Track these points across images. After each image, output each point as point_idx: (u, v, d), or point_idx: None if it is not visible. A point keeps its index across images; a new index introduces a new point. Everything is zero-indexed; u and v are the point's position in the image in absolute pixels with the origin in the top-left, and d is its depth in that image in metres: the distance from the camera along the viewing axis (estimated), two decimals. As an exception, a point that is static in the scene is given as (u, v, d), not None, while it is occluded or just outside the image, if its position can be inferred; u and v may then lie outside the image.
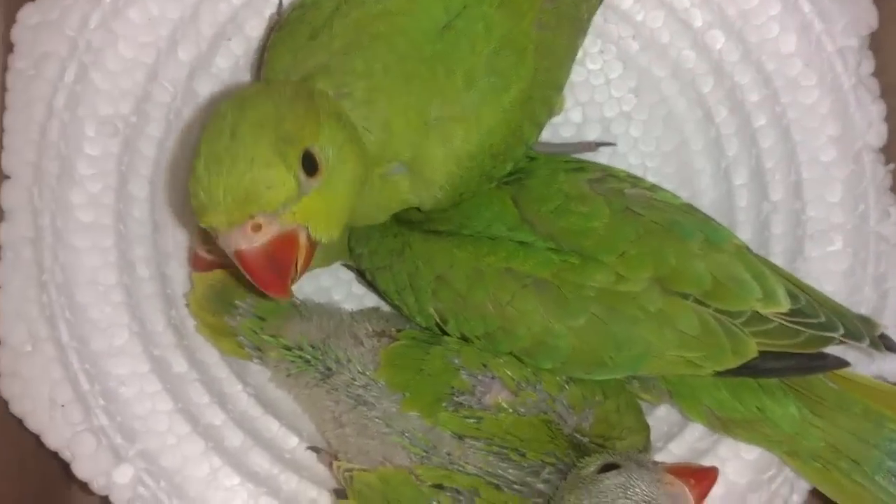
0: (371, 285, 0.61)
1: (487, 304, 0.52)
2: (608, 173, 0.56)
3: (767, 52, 0.63)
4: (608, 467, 0.48)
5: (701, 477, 0.48)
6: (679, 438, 0.59)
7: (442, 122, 0.50)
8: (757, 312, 0.50)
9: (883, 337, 0.53)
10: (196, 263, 0.53)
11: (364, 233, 0.57)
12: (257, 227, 0.42)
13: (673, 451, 0.59)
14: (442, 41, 0.50)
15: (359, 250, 0.57)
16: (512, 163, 0.55)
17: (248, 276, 0.44)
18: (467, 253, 0.52)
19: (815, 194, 0.62)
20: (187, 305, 0.59)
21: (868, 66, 0.63)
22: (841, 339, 0.51)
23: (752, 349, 0.50)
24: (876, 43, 0.64)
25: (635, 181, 0.56)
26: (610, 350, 0.51)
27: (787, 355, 0.51)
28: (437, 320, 0.54)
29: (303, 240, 0.44)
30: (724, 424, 0.55)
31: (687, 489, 0.47)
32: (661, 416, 0.61)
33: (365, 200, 0.49)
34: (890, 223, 0.61)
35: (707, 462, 0.57)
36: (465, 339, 0.54)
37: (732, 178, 0.65)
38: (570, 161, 0.58)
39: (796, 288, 0.52)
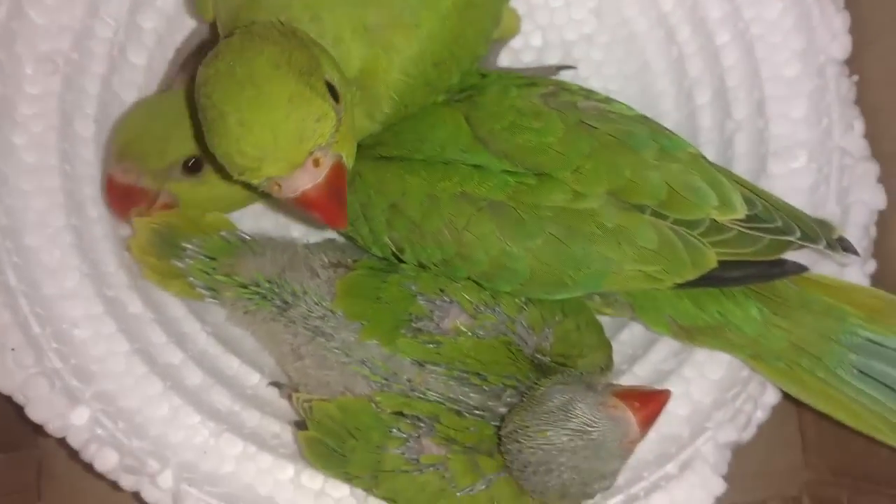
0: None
1: (443, 231, 0.51)
2: (561, 87, 0.55)
3: (729, -35, 0.62)
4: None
5: (647, 400, 0.47)
6: (643, 360, 0.59)
7: (381, 28, 0.48)
8: (714, 221, 0.50)
9: (841, 240, 0.53)
10: (110, 192, 0.52)
11: None
12: (317, 163, 0.42)
13: (637, 374, 0.58)
14: None
15: None
16: (458, 74, 0.54)
17: (310, 214, 0.45)
18: (420, 179, 0.51)
19: (778, 111, 0.61)
20: (128, 250, 0.57)
21: (832, -24, 0.62)
22: (798, 241, 0.50)
23: (711, 260, 0.50)
24: (839, -48, 0.63)
25: (588, 94, 0.55)
26: (569, 269, 0.50)
27: (747, 263, 0.50)
28: (394, 250, 0.53)
29: (343, 165, 0.45)
30: (688, 333, 0.54)
31: (630, 412, 0.46)
32: (625, 340, 0.60)
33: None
34: (853, 136, 0.60)
35: (672, 382, 0.57)
36: (422, 266, 0.53)
37: (695, 98, 0.64)
38: (522, 77, 0.56)
39: (752, 194, 0.52)
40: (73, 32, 0.58)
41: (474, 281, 0.52)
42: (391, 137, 0.53)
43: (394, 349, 0.50)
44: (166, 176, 0.51)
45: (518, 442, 0.46)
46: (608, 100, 0.55)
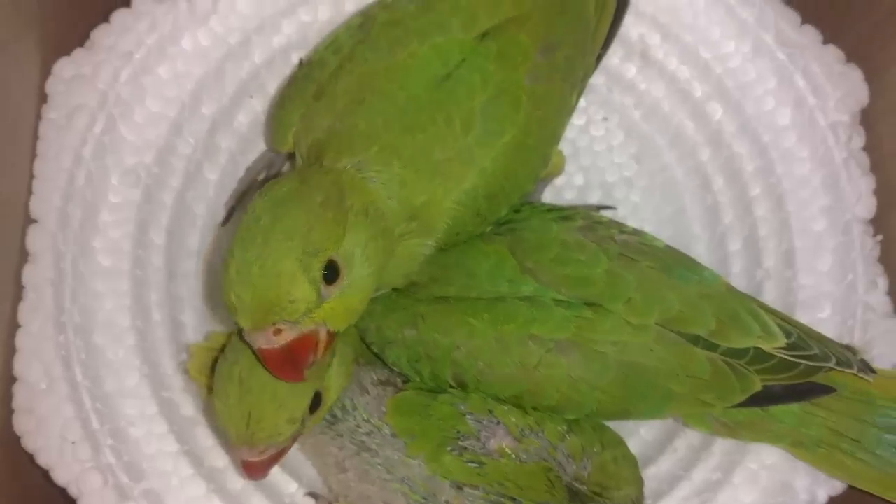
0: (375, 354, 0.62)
1: (515, 371, 0.53)
2: (594, 220, 0.59)
3: (763, 124, 0.66)
4: None
5: None
6: (668, 497, 0.61)
7: (443, 164, 0.53)
8: (759, 349, 0.54)
9: (862, 361, 0.57)
10: (251, 470, 0.53)
11: (368, 307, 0.57)
12: (278, 332, 0.46)
13: (662, 511, 0.60)
14: (441, 90, 0.53)
15: (363, 325, 0.58)
16: (507, 208, 0.57)
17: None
18: (484, 322, 0.54)
19: (806, 263, 0.64)
20: (186, 373, 0.61)
21: (859, 140, 0.66)
22: (834, 367, 0.54)
23: (756, 385, 0.53)
24: (867, 119, 0.67)
25: (620, 227, 0.59)
26: (634, 400, 0.54)
27: (784, 386, 0.54)
28: (454, 385, 0.55)
29: (322, 335, 0.48)
30: (730, 429, 0.57)
31: None
32: (650, 474, 0.62)
33: (386, 269, 0.52)
34: (877, 293, 0.63)
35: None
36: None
37: (727, 245, 0.68)
38: (555, 209, 0.60)
39: (785, 323, 0.56)
40: (157, 148, 0.63)
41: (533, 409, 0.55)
42: (441, 273, 0.56)
43: (439, 465, 0.52)
44: (300, 427, 0.53)
45: None
46: (637, 231, 0.59)
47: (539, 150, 0.58)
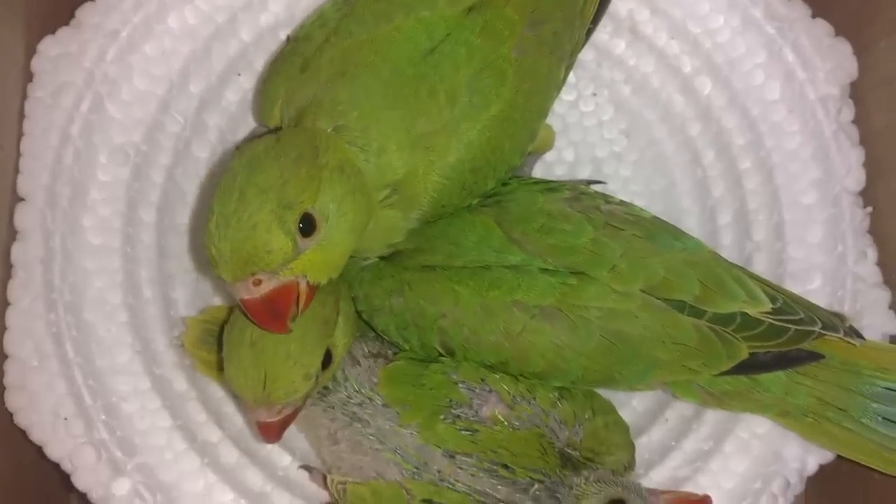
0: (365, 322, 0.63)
1: (499, 337, 0.54)
2: (579, 191, 0.59)
3: (753, 98, 0.66)
4: (615, 503, 0.51)
5: None
6: (660, 466, 0.61)
7: (426, 136, 0.53)
8: (746, 316, 0.54)
9: (850, 327, 0.57)
10: (267, 431, 0.54)
11: (356, 276, 0.58)
12: (258, 282, 0.48)
13: (654, 479, 0.60)
14: (425, 64, 0.53)
15: (352, 293, 0.58)
16: (494, 181, 0.58)
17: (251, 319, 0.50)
18: (470, 289, 0.54)
19: (795, 235, 0.65)
20: (182, 346, 0.61)
21: (848, 113, 0.66)
22: (820, 331, 0.55)
23: (743, 352, 0.54)
24: (856, 91, 0.67)
25: (606, 198, 0.59)
26: (619, 367, 0.54)
27: (771, 353, 0.54)
28: (442, 353, 0.56)
29: (302, 286, 0.49)
30: (718, 399, 0.58)
31: None
32: (642, 445, 0.62)
33: (365, 234, 0.53)
34: (867, 263, 0.64)
35: (687, 489, 0.59)
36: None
37: (717, 218, 0.68)
38: (541, 182, 0.60)
39: (770, 289, 0.56)
40: (145, 126, 0.63)
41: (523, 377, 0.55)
42: (426, 244, 0.57)
43: (432, 434, 0.53)
44: (314, 384, 0.54)
45: None
46: (623, 202, 0.59)
47: (526, 124, 0.58)
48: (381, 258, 0.58)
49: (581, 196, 0.58)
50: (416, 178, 0.53)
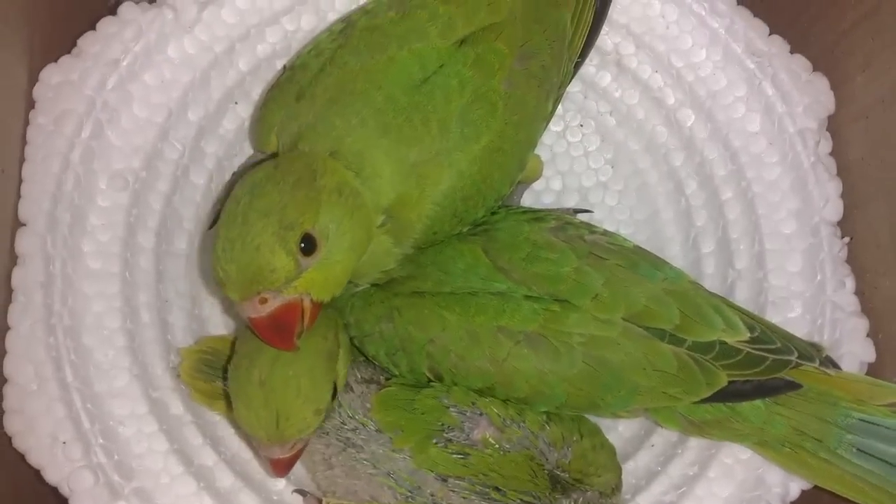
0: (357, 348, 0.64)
1: (485, 363, 0.55)
2: (564, 221, 0.61)
3: (734, 130, 0.68)
4: None
5: None
6: (646, 491, 0.63)
7: (419, 166, 0.55)
8: (724, 345, 0.56)
9: (827, 357, 0.59)
10: (279, 467, 0.55)
11: (346, 302, 0.59)
12: (264, 301, 0.50)
13: None
14: (418, 93, 0.55)
15: (343, 319, 0.60)
16: (484, 209, 0.59)
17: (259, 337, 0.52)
18: (456, 315, 0.56)
19: (776, 264, 0.67)
20: (178, 377, 0.62)
21: (826, 145, 0.68)
22: (797, 361, 0.56)
23: (722, 380, 0.55)
24: (833, 125, 0.69)
25: (589, 227, 0.61)
26: (601, 393, 0.56)
27: (750, 381, 0.56)
28: (431, 378, 0.57)
29: (306, 304, 0.51)
30: (698, 427, 0.59)
31: None
32: (629, 469, 0.64)
33: (361, 261, 0.54)
34: (845, 292, 0.66)
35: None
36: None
37: (700, 247, 0.70)
38: (528, 211, 0.62)
39: (749, 319, 0.58)
40: (144, 153, 0.64)
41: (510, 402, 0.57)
42: (417, 271, 0.58)
43: (425, 458, 0.54)
44: (324, 417, 0.55)
45: None
46: (607, 233, 0.61)
47: (515, 155, 0.60)
48: (373, 285, 0.59)
49: (566, 226, 0.60)
50: (409, 204, 0.55)
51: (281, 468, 0.55)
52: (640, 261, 0.58)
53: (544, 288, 0.56)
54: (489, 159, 0.57)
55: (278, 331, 0.51)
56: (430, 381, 0.58)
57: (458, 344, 0.55)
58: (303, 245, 0.49)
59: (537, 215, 0.61)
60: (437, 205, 0.56)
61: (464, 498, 0.54)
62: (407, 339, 0.57)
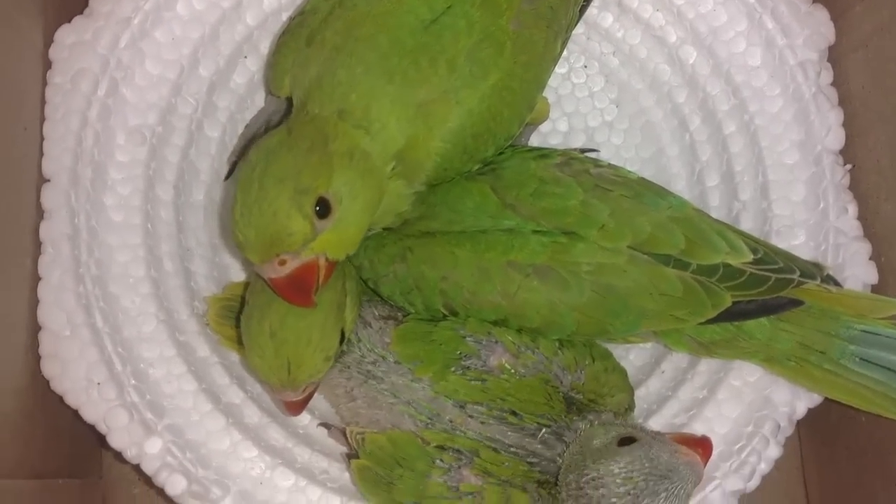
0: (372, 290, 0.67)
1: (497, 297, 0.57)
2: (569, 157, 0.62)
3: (736, 65, 0.69)
4: (626, 440, 0.54)
5: (705, 446, 0.54)
6: (657, 415, 0.65)
7: (426, 105, 0.56)
8: (729, 267, 0.57)
9: (829, 276, 0.61)
10: (293, 408, 0.59)
11: (360, 245, 0.60)
12: (283, 262, 0.52)
13: (652, 426, 0.64)
14: (426, 34, 0.56)
15: (357, 261, 0.61)
16: (494, 148, 0.61)
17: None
18: (467, 251, 0.57)
19: (780, 194, 0.68)
20: (207, 325, 0.64)
21: (827, 76, 0.69)
22: (799, 279, 0.58)
23: (727, 300, 0.57)
24: (833, 55, 0.70)
25: (595, 162, 0.62)
26: (610, 319, 0.58)
27: (754, 301, 0.58)
28: (446, 313, 0.59)
29: (322, 262, 0.53)
30: (706, 347, 0.61)
31: (699, 457, 0.53)
32: (640, 396, 0.66)
33: (380, 217, 0.56)
34: (847, 218, 0.67)
35: (684, 434, 0.62)
36: None
37: (705, 181, 0.71)
38: (534, 149, 0.64)
39: (752, 242, 0.59)
40: (159, 109, 0.66)
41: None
42: (428, 211, 0.60)
43: (445, 385, 0.56)
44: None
45: (604, 487, 0.52)
46: (612, 166, 0.63)
47: (524, 94, 0.61)
48: (386, 228, 0.61)
49: (571, 161, 0.61)
50: (418, 144, 0.56)
51: (295, 408, 0.58)
52: (645, 191, 0.60)
53: (552, 221, 0.57)
54: (498, 97, 0.58)
55: (297, 289, 0.53)
56: (445, 316, 0.59)
57: (470, 280, 0.57)
58: (318, 208, 0.51)
59: (543, 153, 0.63)
60: (447, 142, 0.57)
61: (481, 423, 0.56)
62: (420, 278, 0.58)
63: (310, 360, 0.55)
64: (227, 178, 0.69)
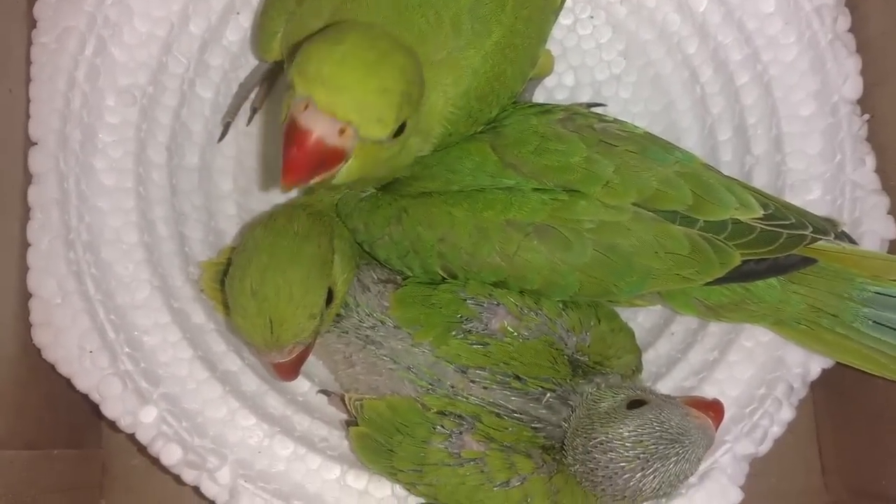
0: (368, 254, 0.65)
1: (496, 258, 0.55)
2: (572, 112, 0.59)
3: (748, 12, 0.66)
4: (635, 403, 0.53)
5: (717, 409, 0.53)
6: (667, 377, 0.63)
7: (434, 66, 0.53)
8: (738, 224, 0.55)
9: (842, 232, 0.58)
10: (283, 371, 0.57)
11: (354, 207, 0.59)
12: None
13: (661, 390, 0.62)
14: None
15: (352, 224, 0.59)
16: (497, 108, 0.58)
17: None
18: (464, 211, 0.55)
19: (794, 147, 0.65)
20: (202, 290, 0.63)
21: (844, 22, 0.66)
22: (811, 235, 0.56)
23: (736, 259, 0.55)
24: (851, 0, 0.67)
25: (599, 117, 0.60)
26: (614, 279, 0.55)
27: (764, 260, 0.56)
28: (445, 276, 0.58)
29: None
30: (714, 311, 0.59)
31: (710, 420, 0.51)
32: (649, 359, 0.64)
33: (384, 168, 0.54)
34: (865, 171, 0.65)
35: (694, 397, 0.61)
36: None
37: (717, 135, 0.69)
38: (535, 105, 0.61)
39: (762, 197, 0.57)
40: (149, 69, 0.64)
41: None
42: (424, 172, 0.57)
43: (446, 349, 0.55)
44: (320, 321, 0.55)
45: (612, 451, 0.51)
46: (617, 120, 0.60)
47: (527, 50, 0.59)
48: (379, 189, 0.59)
49: (574, 116, 0.59)
50: (429, 110, 0.54)
51: (283, 372, 0.56)
52: (651, 145, 0.58)
53: (554, 179, 0.55)
54: (501, 55, 0.56)
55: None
56: (444, 279, 0.58)
57: (468, 241, 0.55)
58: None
59: (545, 108, 0.60)
60: (456, 107, 0.55)
61: (484, 388, 0.54)
62: (416, 240, 0.57)
63: (292, 317, 0.53)
64: (220, 139, 0.67)
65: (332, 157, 0.46)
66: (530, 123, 0.58)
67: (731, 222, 0.55)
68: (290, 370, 0.56)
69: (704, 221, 0.55)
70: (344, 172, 0.48)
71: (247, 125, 0.68)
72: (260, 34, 0.59)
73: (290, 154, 0.45)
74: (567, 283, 0.55)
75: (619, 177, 0.55)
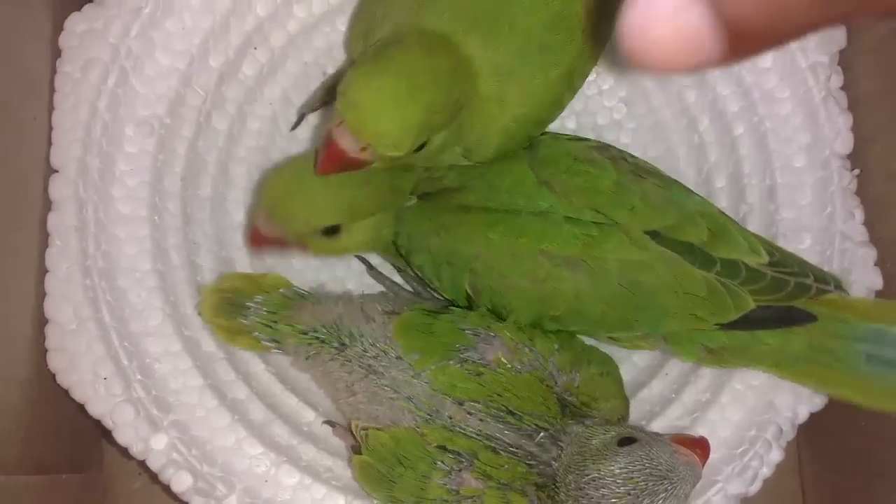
0: (380, 276, 0.69)
1: (526, 282, 0.58)
2: (607, 145, 0.63)
3: (746, 66, 0.69)
4: (625, 441, 0.54)
5: (703, 446, 0.55)
6: (661, 417, 0.65)
7: (500, 77, 0.55)
8: (749, 270, 0.58)
9: (839, 285, 0.61)
10: (255, 239, 0.60)
11: (401, 215, 0.62)
12: (364, 148, 0.52)
13: (654, 428, 0.64)
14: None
15: (396, 229, 0.63)
16: (539, 133, 0.62)
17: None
18: (500, 234, 0.58)
19: (787, 197, 0.68)
20: (200, 314, 0.64)
21: (837, 80, 0.69)
22: (817, 286, 0.58)
23: (749, 303, 0.58)
24: (844, 59, 0.70)
25: (629, 155, 0.63)
26: (635, 314, 0.58)
27: (771, 308, 0.58)
28: (469, 293, 0.60)
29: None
30: (717, 355, 0.61)
31: (697, 458, 0.53)
32: (643, 396, 0.66)
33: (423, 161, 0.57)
34: (854, 223, 0.67)
35: (687, 437, 0.63)
36: (490, 310, 0.61)
37: (713, 182, 0.71)
38: (570, 135, 0.65)
39: (766, 244, 0.60)
40: (168, 100, 0.65)
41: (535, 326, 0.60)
42: (467, 183, 0.61)
43: (444, 377, 0.57)
44: (307, 236, 0.58)
45: (605, 488, 0.53)
46: (643, 161, 0.64)
47: (584, 75, 0.61)
48: (423, 198, 0.62)
49: (609, 147, 0.63)
50: (489, 122, 0.56)
51: (255, 238, 0.60)
52: (674, 184, 0.62)
53: (584, 200, 0.58)
54: (564, 84, 0.59)
55: (338, 163, 0.53)
56: (468, 296, 0.60)
57: (502, 263, 0.58)
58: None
59: (579, 137, 0.64)
60: (517, 126, 0.58)
61: (480, 420, 0.56)
62: (453, 255, 0.60)
63: (295, 206, 0.58)
64: (292, 128, 0.70)
65: (355, 164, 0.53)
66: (565, 146, 0.61)
67: (745, 268, 0.58)
68: (260, 241, 0.60)
69: (721, 265, 0.57)
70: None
71: (290, 130, 0.71)
72: (350, 34, 0.61)
73: (321, 155, 0.53)
74: (590, 312, 0.58)
75: (644, 204, 0.58)
